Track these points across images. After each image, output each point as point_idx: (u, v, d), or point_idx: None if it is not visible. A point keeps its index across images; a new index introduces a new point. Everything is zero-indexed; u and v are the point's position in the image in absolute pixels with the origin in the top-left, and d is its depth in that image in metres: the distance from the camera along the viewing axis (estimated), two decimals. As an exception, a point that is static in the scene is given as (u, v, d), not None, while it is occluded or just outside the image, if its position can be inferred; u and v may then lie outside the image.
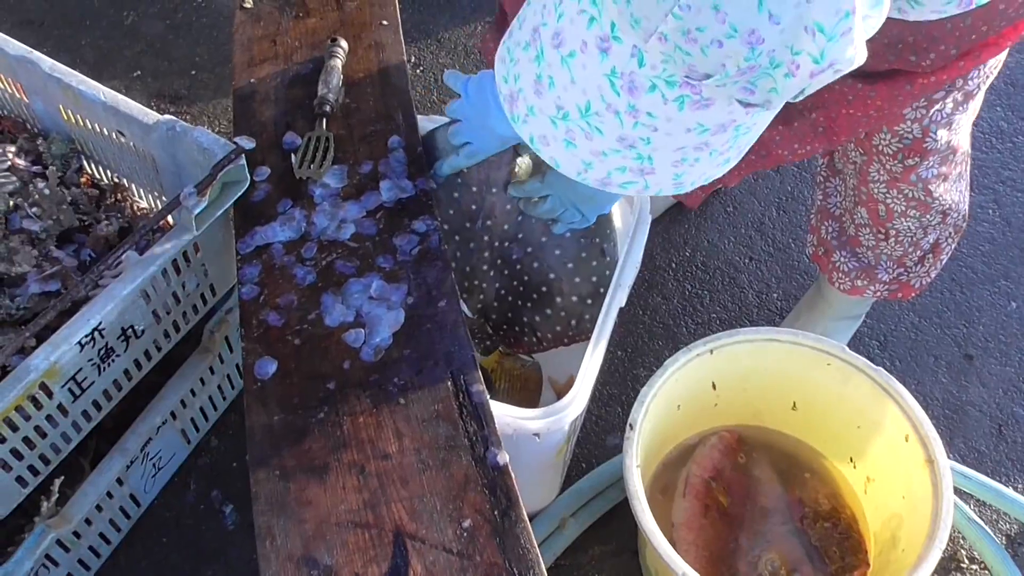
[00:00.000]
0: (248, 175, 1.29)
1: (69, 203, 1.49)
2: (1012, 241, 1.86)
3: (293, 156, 1.32)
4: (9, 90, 1.59)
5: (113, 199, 1.58)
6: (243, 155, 1.29)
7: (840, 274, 1.52)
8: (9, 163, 1.51)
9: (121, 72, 2.19)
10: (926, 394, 1.64)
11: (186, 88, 2.15)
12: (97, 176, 1.62)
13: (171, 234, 1.28)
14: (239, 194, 1.29)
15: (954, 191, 1.39)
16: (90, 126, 1.50)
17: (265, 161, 1.35)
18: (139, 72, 2.19)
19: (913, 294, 1.52)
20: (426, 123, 1.41)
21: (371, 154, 1.34)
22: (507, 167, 1.29)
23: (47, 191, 1.48)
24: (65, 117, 1.53)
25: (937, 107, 1.22)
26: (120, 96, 1.42)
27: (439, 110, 2.08)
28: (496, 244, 1.36)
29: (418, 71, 2.15)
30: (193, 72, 2.18)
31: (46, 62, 1.47)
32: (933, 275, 1.51)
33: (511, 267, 1.38)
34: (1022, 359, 1.70)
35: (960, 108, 1.24)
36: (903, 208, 1.38)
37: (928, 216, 1.39)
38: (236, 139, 1.32)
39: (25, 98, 1.57)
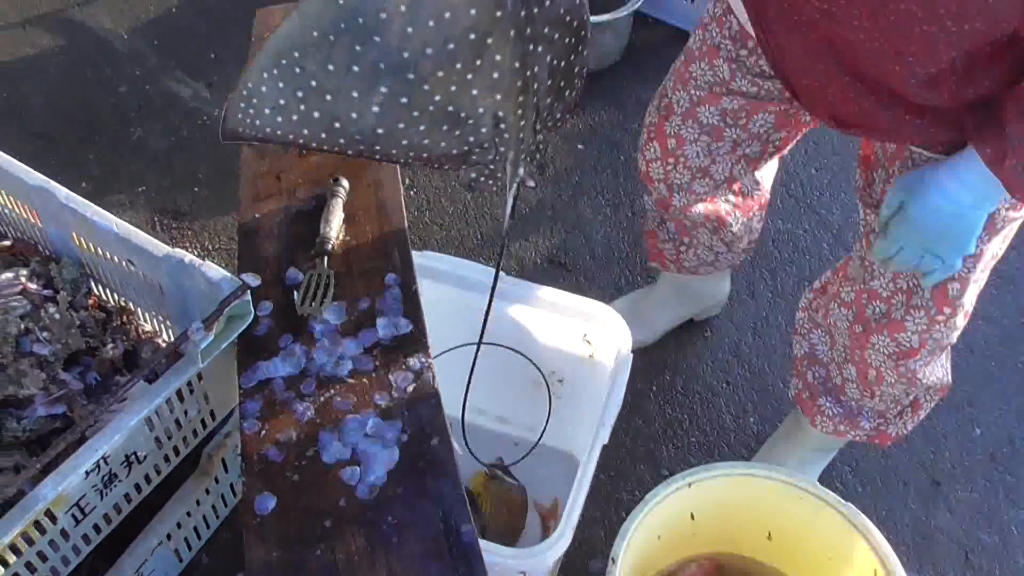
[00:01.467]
0: (252, 310, 1.36)
1: (77, 326, 1.55)
2: (975, 368, 1.95)
3: (295, 293, 1.40)
4: (24, 215, 1.67)
5: (119, 322, 1.65)
6: (248, 291, 1.36)
7: (824, 418, 1.59)
8: (21, 287, 1.58)
9: (126, 186, 2.29)
10: (896, 520, 1.71)
11: (188, 204, 2.25)
12: (104, 298, 1.69)
13: (178, 366, 1.34)
14: (243, 328, 1.36)
15: (940, 369, 1.49)
16: (101, 253, 1.58)
17: (268, 296, 1.42)
18: (143, 187, 2.29)
19: (889, 441, 1.59)
20: (420, 260, 1.49)
21: (368, 290, 1.42)
22: None
23: (57, 316, 1.54)
24: (77, 243, 1.61)
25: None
26: (132, 228, 1.50)
27: (432, 231, 2.18)
28: (536, 10, 1.00)
29: (411, 192, 2.25)
30: (195, 188, 2.28)
31: (62, 192, 1.56)
32: (910, 427, 1.59)
33: (561, 24, 1.03)
34: (987, 485, 1.77)
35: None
36: (893, 379, 1.46)
37: (914, 388, 1.48)
38: (242, 276, 1.40)
39: (39, 223, 1.65)
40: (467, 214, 2.20)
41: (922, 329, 1.36)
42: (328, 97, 1.03)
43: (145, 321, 1.66)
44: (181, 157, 2.35)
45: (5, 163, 1.62)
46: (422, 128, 1.05)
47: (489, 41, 0.97)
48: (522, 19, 0.98)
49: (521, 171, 1.16)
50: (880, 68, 1.07)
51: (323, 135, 1.07)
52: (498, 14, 0.95)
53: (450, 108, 1.03)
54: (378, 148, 1.08)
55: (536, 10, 0.98)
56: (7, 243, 1.69)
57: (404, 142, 1.07)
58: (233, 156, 1.61)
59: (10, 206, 1.68)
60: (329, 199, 1.52)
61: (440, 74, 0.99)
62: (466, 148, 1.10)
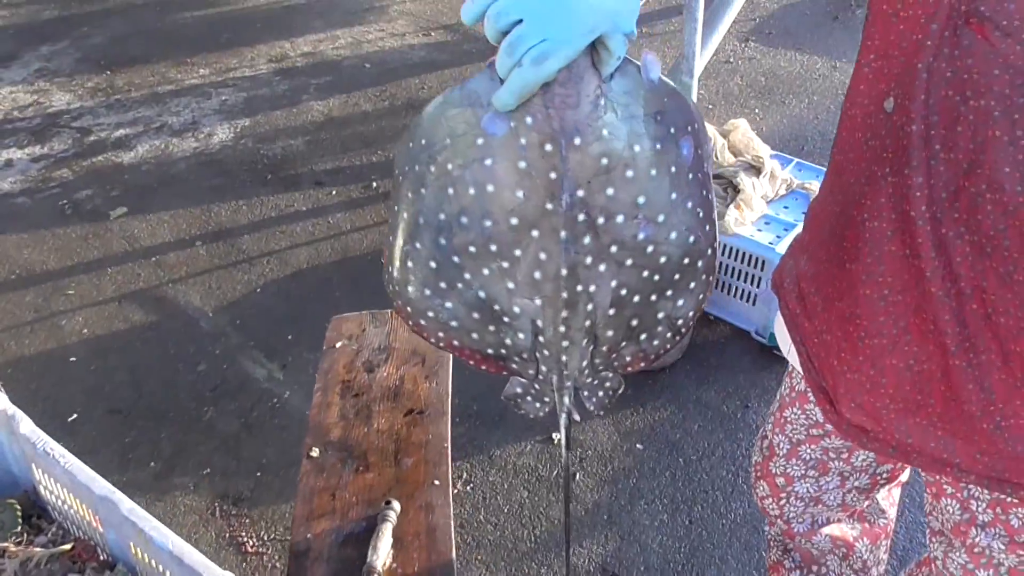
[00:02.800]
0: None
1: (123, 640, 1.55)
2: None
3: (337, 628, 1.38)
4: (87, 519, 1.71)
5: (164, 633, 1.64)
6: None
7: None
8: (73, 597, 1.60)
9: (192, 469, 2.35)
10: None
11: (250, 489, 2.29)
12: (155, 605, 1.69)
13: None
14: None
15: None
16: (155, 566, 1.60)
17: (312, 626, 1.41)
18: (208, 470, 2.34)
19: None
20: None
21: (412, 627, 1.39)
22: (587, 88, 0.80)
23: (104, 629, 1.55)
24: (134, 552, 1.64)
25: None
26: (186, 546, 1.52)
27: (486, 531, 2.16)
28: (601, 221, 0.85)
29: (468, 488, 2.26)
30: (259, 473, 2.32)
31: (126, 504, 1.60)
32: None
33: (637, 251, 0.89)
34: None
35: None
36: None
37: None
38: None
39: (100, 528, 1.69)
40: (522, 514, 2.19)
41: None
42: None
43: (190, 635, 1.65)
44: (249, 441, 2.42)
45: (76, 469, 1.68)
46: (449, 306, 0.95)
47: (534, 234, 0.85)
48: (579, 224, 0.84)
49: (567, 400, 1.03)
50: None
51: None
52: (548, 206, 0.83)
53: (481, 295, 0.92)
54: (410, 311, 0.98)
55: (601, 220, 0.84)
56: (67, 547, 1.72)
57: (431, 314, 0.97)
58: (298, 443, 1.65)
59: (75, 508, 1.73)
60: (380, 523, 1.54)
61: (472, 250, 0.88)
62: (503, 351, 0.99)
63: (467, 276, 0.91)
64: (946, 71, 0.90)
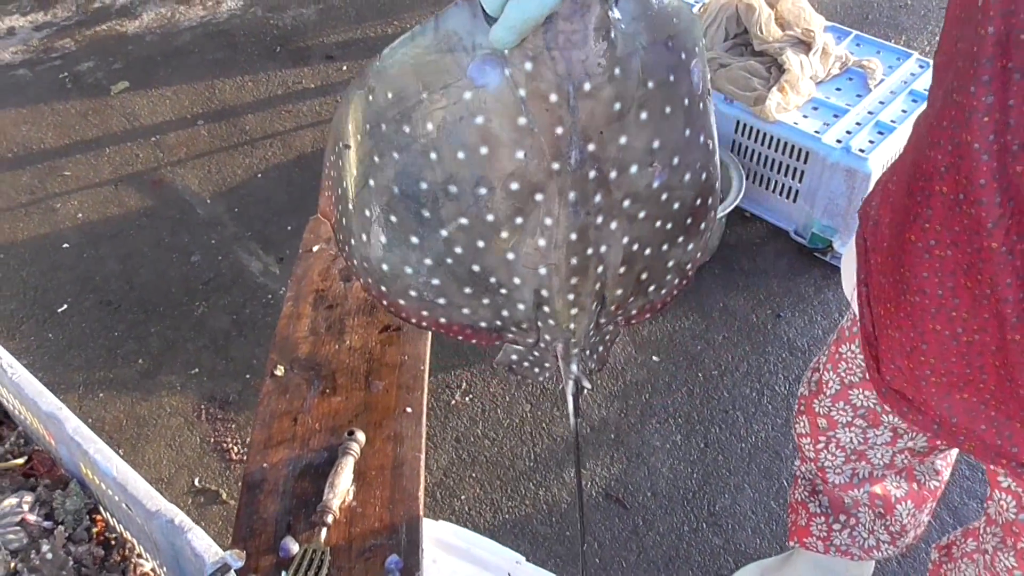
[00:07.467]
0: (233, 593, 1.22)
1: (71, 566, 1.45)
2: None
3: (283, 574, 1.25)
4: (42, 435, 1.59)
5: (119, 556, 1.54)
6: (230, 571, 1.22)
7: None
8: (20, 518, 1.49)
9: (180, 367, 2.22)
10: None
11: (237, 392, 2.16)
12: (111, 524, 1.58)
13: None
14: (221, 613, 1.21)
15: None
16: (104, 488, 1.48)
17: (257, 569, 1.28)
18: (197, 370, 2.22)
19: None
20: (434, 532, 1.33)
21: (366, 575, 1.25)
22: (595, 19, 0.64)
23: (50, 555, 1.44)
24: (84, 471, 1.52)
25: None
26: (131, 473, 1.39)
27: (483, 446, 2.00)
28: (613, 175, 0.73)
29: (467, 399, 2.10)
30: (247, 376, 2.19)
31: (71, 423, 1.46)
32: None
33: (651, 201, 0.77)
34: None
35: None
36: None
37: None
38: (226, 554, 1.26)
39: (54, 443, 1.57)
40: (523, 429, 2.02)
41: None
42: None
43: (145, 560, 1.54)
44: (239, 340, 2.28)
45: (24, 382, 1.55)
46: (435, 282, 0.81)
47: (538, 198, 0.71)
48: (590, 182, 0.71)
49: (574, 367, 0.89)
50: None
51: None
52: (555, 166, 0.69)
53: (475, 268, 0.78)
54: (385, 291, 0.85)
55: (614, 174, 0.72)
56: (20, 461, 1.61)
57: (412, 293, 0.83)
58: (255, 409, 1.49)
59: (31, 423, 1.61)
60: (340, 456, 1.38)
61: (463, 222, 0.74)
62: (499, 323, 0.85)
63: (458, 251, 0.77)
64: None
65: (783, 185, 2.37)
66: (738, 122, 2.35)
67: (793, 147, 2.28)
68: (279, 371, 1.55)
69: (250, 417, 2.11)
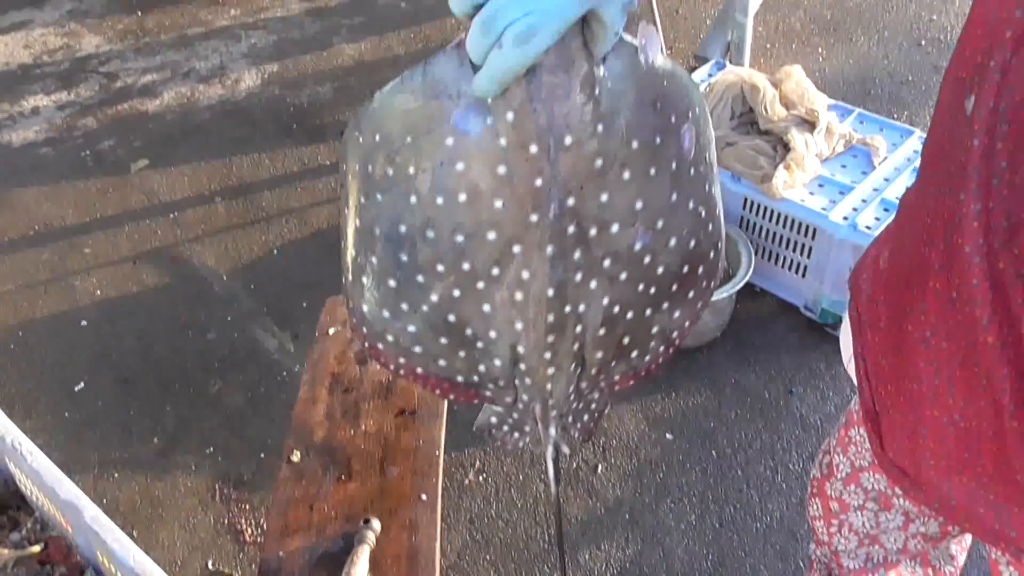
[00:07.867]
0: None
1: (85, 655, 1.45)
2: None
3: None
4: (60, 521, 1.60)
5: (134, 645, 1.53)
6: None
7: None
8: (36, 606, 1.50)
9: (195, 446, 2.24)
10: None
11: (252, 472, 2.17)
12: (127, 612, 1.58)
13: None
14: None
15: None
16: (120, 576, 1.48)
17: (272, 663, 1.28)
18: (211, 448, 2.23)
19: None
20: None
21: (382, 669, 1.25)
22: (579, 73, 0.63)
23: (64, 644, 1.44)
24: (100, 559, 1.53)
25: None
26: (148, 563, 1.40)
27: (496, 527, 2.00)
28: (593, 233, 0.71)
29: (480, 478, 2.10)
30: (262, 455, 2.20)
31: (90, 511, 1.47)
32: None
33: (633, 263, 0.76)
34: None
35: None
36: None
37: None
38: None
39: (70, 529, 1.58)
40: (537, 510, 2.02)
41: None
42: None
43: (160, 650, 1.54)
44: (254, 419, 2.29)
45: (43, 468, 1.56)
46: (411, 329, 0.79)
47: (515, 249, 0.70)
48: (568, 237, 0.70)
49: (552, 431, 0.87)
50: None
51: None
52: (532, 218, 0.68)
53: (451, 317, 0.77)
54: (365, 332, 0.83)
55: (594, 231, 0.70)
56: (37, 548, 1.62)
57: (390, 338, 0.81)
58: (272, 498, 1.50)
59: (49, 509, 1.62)
60: (356, 545, 1.39)
61: (440, 269, 0.73)
62: (476, 379, 0.83)
63: (434, 298, 0.76)
64: None
65: (792, 261, 2.39)
66: (746, 199, 2.39)
67: (801, 224, 2.31)
68: (295, 457, 1.56)
69: (264, 497, 2.12)
